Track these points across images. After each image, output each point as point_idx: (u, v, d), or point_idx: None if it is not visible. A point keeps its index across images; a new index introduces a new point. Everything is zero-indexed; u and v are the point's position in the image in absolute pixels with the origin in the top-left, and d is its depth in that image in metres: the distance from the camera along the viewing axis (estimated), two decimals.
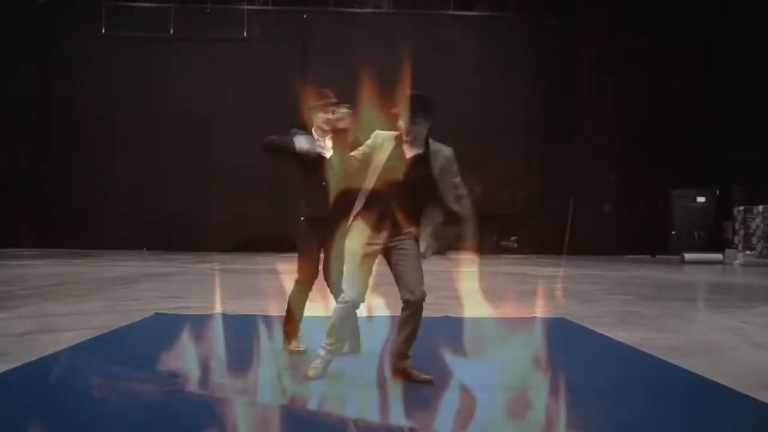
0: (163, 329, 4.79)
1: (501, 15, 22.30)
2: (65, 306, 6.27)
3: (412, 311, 3.32)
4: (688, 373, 3.58)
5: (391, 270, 3.42)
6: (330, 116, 3.95)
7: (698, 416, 2.85)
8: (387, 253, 3.39)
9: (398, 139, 3.38)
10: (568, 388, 2.74)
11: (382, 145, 3.38)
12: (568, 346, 4.45)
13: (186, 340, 3.43)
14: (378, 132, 3.44)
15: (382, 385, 3.13)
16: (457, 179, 3.50)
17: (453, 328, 3.94)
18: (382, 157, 3.35)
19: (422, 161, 3.36)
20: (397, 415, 2.65)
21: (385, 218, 3.33)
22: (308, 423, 2.63)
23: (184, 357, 3.35)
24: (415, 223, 3.37)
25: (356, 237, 3.36)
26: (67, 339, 4.28)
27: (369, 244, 3.34)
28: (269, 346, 3.46)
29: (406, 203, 3.33)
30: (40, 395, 2.97)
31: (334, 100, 4.00)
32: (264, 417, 2.66)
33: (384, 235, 3.35)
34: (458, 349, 3.76)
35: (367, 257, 3.35)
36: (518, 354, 3.39)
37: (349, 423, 2.60)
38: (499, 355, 3.63)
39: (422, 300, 3.32)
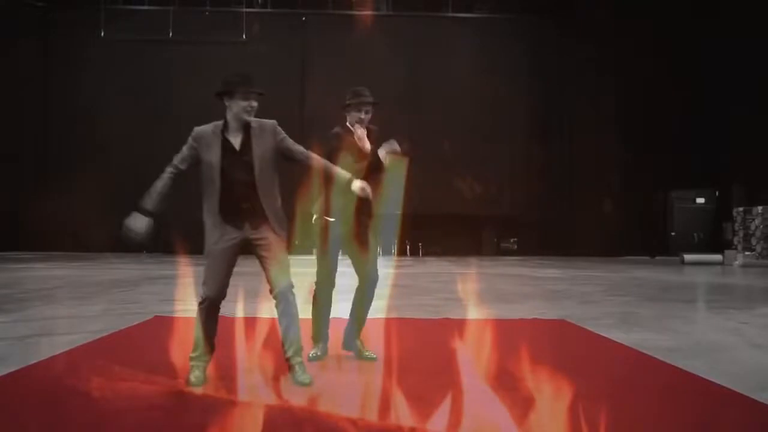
0: (163, 332, 4.80)
1: (500, 16, 22.33)
2: (65, 309, 6.26)
3: (281, 304, 3.30)
4: (688, 374, 3.59)
5: (260, 263, 3.37)
6: (363, 116, 3.87)
7: (697, 417, 2.85)
8: (249, 246, 3.34)
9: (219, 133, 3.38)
10: (568, 389, 2.75)
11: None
12: (567, 347, 4.45)
13: (186, 342, 3.44)
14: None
15: (382, 386, 3.14)
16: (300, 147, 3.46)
17: (453, 330, 3.94)
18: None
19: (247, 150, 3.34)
20: (397, 416, 2.65)
21: (240, 212, 3.29)
22: (308, 423, 2.63)
23: (183, 359, 3.36)
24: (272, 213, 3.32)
25: (212, 232, 3.29)
26: (66, 342, 4.28)
27: (226, 238, 3.28)
28: (267, 348, 3.47)
29: (262, 195, 3.30)
30: (41, 398, 2.97)
31: (369, 99, 3.91)
32: (264, 417, 2.66)
33: (242, 229, 3.29)
34: (458, 350, 3.77)
35: (225, 252, 3.28)
36: (518, 356, 3.40)
37: (349, 423, 2.60)
38: (500, 356, 3.63)
39: (288, 290, 3.30)
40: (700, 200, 21.39)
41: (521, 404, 2.71)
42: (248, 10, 21.95)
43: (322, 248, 3.88)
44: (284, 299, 3.29)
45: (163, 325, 5.19)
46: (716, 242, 20.09)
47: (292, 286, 3.33)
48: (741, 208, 18.84)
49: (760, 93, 18.04)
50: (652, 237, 21.45)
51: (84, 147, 21.21)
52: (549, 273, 12.91)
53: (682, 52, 21.05)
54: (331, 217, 3.84)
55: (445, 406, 2.77)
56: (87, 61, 21.37)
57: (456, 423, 2.60)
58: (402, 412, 2.69)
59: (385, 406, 2.79)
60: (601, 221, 21.37)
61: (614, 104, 21.57)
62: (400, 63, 21.02)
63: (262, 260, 3.33)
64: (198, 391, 3.10)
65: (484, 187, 21.07)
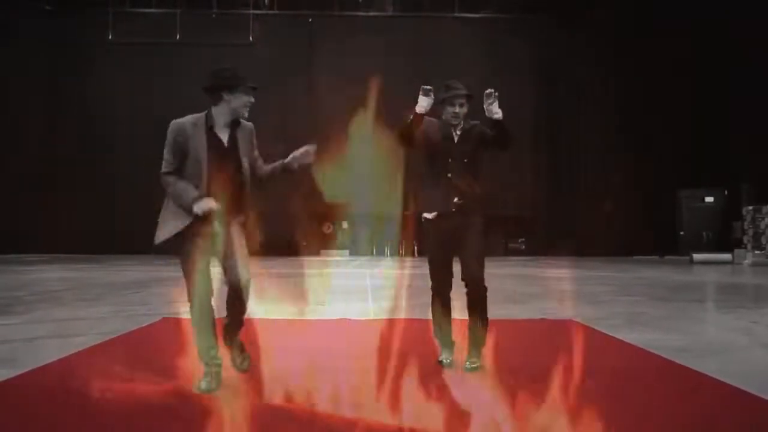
0: (171, 334, 4.81)
1: (505, 17, 22.28)
2: (73, 311, 6.29)
3: (232, 297, 3.30)
4: (698, 374, 3.56)
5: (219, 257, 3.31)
6: (457, 109, 3.69)
7: (707, 417, 2.83)
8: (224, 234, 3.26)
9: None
10: (577, 389, 2.73)
11: None
12: (576, 347, 4.43)
13: (194, 344, 3.44)
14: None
15: (386, 386, 3.13)
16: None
17: (462, 330, 3.92)
18: None
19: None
20: (401, 415, 2.64)
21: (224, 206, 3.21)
22: (310, 423, 2.63)
23: (191, 361, 3.36)
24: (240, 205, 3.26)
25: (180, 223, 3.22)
26: (75, 344, 4.29)
27: (200, 230, 3.16)
28: (271, 349, 3.48)
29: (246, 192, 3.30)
30: (49, 400, 2.98)
31: (463, 92, 3.71)
32: (266, 417, 2.66)
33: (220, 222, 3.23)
34: (465, 350, 3.75)
35: (204, 239, 3.17)
36: (527, 355, 3.38)
37: (351, 423, 2.59)
38: (509, 356, 3.62)
39: (242, 288, 3.26)
40: (709, 199, 21.23)
41: (529, 403, 2.70)
42: (255, 12, 22.02)
43: (429, 248, 3.68)
44: (245, 292, 3.27)
45: (171, 327, 5.20)
46: (726, 241, 19.94)
47: (239, 286, 3.28)
48: (750, 207, 18.71)
49: None
50: (660, 236, 21.32)
51: (92, 148, 21.32)
52: (557, 273, 12.86)
53: (686, 52, 20.93)
54: (428, 213, 3.64)
55: (452, 404, 2.76)
56: (95, 64, 21.49)
57: (463, 422, 2.59)
58: (407, 411, 2.68)
59: (389, 405, 2.79)
60: (610, 221, 21.26)
61: (621, 103, 21.47)
62: (406, 63, 21.00)
63: (227, 253, 3.24)
64: (204, 392, 3.09)
65: (487, 188, 20.99)
